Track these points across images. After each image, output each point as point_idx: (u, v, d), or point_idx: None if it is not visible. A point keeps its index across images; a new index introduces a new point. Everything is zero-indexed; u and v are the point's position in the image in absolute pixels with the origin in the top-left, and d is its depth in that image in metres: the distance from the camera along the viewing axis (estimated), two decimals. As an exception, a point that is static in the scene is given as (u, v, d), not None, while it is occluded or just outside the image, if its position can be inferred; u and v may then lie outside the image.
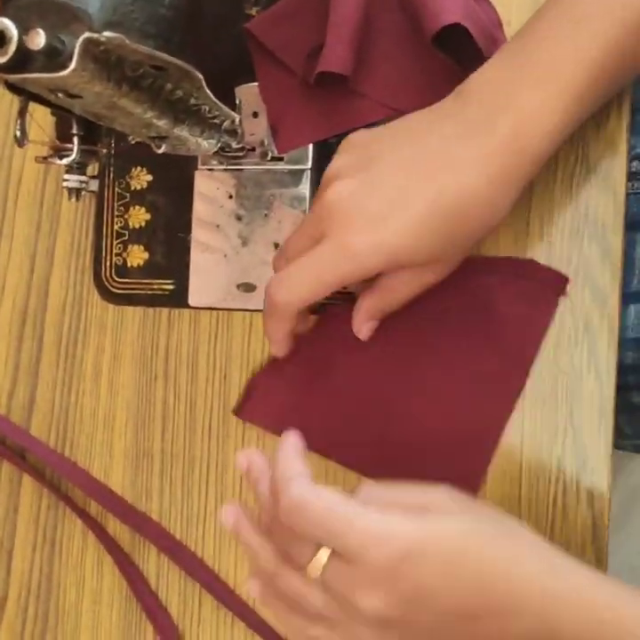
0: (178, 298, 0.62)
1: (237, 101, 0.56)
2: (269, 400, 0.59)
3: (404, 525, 0.43)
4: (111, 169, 0.64)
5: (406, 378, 0.57)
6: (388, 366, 0.57)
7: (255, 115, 0.60)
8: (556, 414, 0.56)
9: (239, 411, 0.60)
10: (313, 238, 0.51)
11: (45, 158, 0.49)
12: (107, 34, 0.39)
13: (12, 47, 0.38)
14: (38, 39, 0.38)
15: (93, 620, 0.63)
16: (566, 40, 0.48)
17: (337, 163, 0.51)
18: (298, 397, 0.59)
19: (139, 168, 0.63)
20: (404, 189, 0.49)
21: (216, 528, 0.61)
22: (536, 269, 0.56)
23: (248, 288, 0.61)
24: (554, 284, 0.55)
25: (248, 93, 0.59)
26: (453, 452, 0.56)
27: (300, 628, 0.46)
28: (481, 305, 0.56)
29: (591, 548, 0.55)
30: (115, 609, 0.63)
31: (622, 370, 0.57)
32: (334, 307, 0.58)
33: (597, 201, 0.55)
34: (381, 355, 0.57)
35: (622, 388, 0.57)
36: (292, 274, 0.51)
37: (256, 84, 0.60)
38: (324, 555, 0.44)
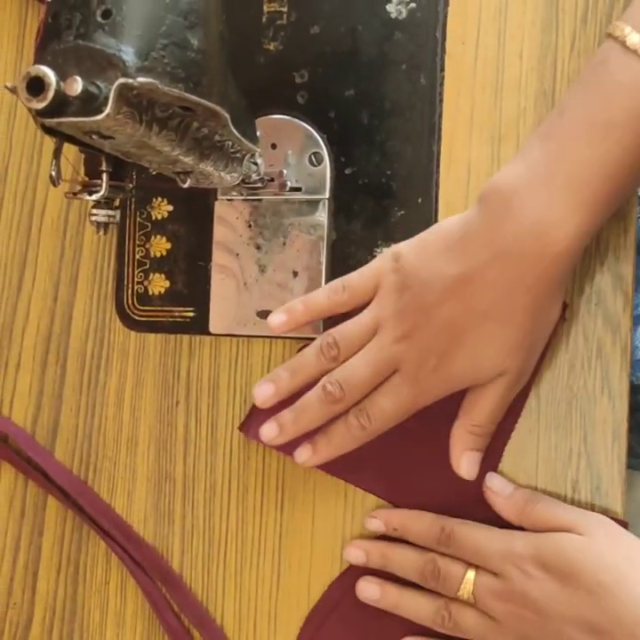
0: (198, 325, 0.64)
1: (258, 133, 0.58)
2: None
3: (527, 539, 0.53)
4: (133, 200, 0.65)
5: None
6: None
7: (274, 146, 0.62)
8: (570, 439, 0.57)
9: (244, 427, 0.62)
10: (383, 372, 0.55)
11: (75, 194, 0.50)
12: (140, 79, 0.41)
13: (51, 93, 0.40)
14: (76, 86, 0.40)
15: (117, 641, 0.64)
16: (593, 148, 0.49)
17: (390, 305, 0.54)
18: None
19: (159, 199, 0.65)
20: (453, 318, 0.52)
21: (237, 550, 0.63)
22: None
23: (267, 315, 0.62)
24: None
25: (267, 125, 0.61)
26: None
27: None
28: None
29: (606, 568, 0.56)
30: (138, 631, 0.64)
31: (632, 390, 0.58)
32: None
33: (609, 231, 0.57)
34: None
35: (633, 409, 0.59)
36: (378, 415, 0.55)
37: (275, 116, 0.61)
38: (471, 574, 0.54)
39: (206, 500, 0.63)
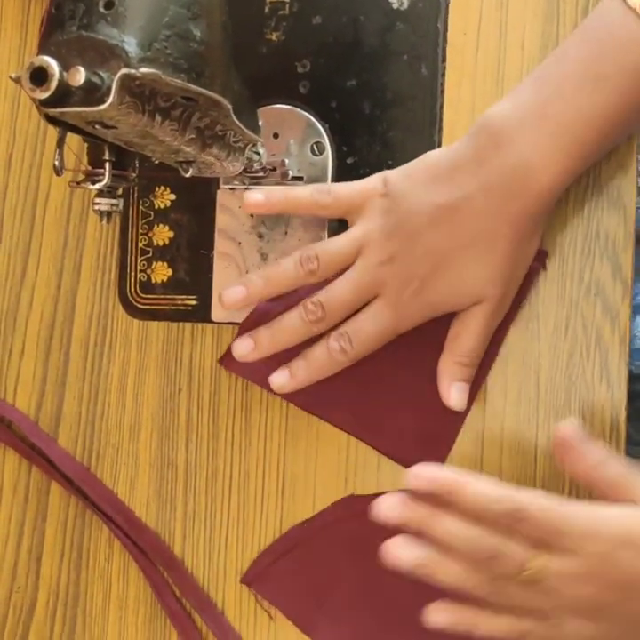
0: (201, 313, 0.64)
1: (260, 123, 0.58)
2: None
3: (616, 514, 0.48)
4: (136, 188, 0.65)
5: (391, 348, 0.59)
6: None
7: (276, 136, 0.62)
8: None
9: (224, 360, 0.63)
10: (364, 296, 0.56)
11: (78, 183, 0.51)
12: (143, 69, 0.41)
13: (54, 84, 0.40)
14: (78, 76, 0.40)
15: (119, 625, 0.65)
16: (583, 98, 0.51)
17: (374, 220, 0.56)
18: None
19: (162, 187, 0.65)
20: (438, 245, 0.54)
21: (238, 535, 0.63)
22: None
23: (269, 303, 0.63)
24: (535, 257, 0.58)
25: (269, 115, 0.61)
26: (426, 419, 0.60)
27: (509, 626, 0.50)
28: None
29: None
30: (140, 615, 0.65)
31: (631, 379, 0.58)
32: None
33: (608, 220, 0.57)
34: None
35: (631, 397, 0.59)
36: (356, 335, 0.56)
37: (277, 105, 0.62)
38: (536, 555, 0.48)
39: (208, 486, 0.64)
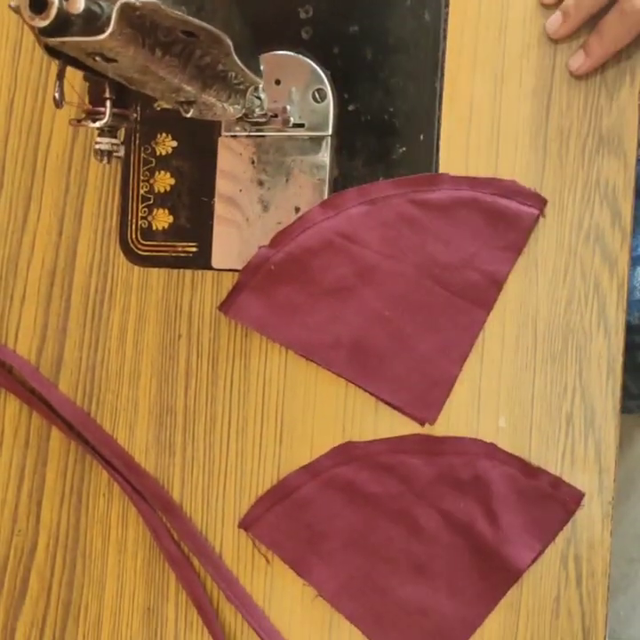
0: (201, 260, 0.64)
1: (262, 68, 0.58)
2: (259, 302, 0.62)
3: None
4: (137, 135, 0.66)
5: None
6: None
7: (278, 82, 0.62)
8: (565, 373, 0.58)
9: (223, 306, 0.63)
10: None
11: (79, 121, 0.51)
12: (142, -1, 0.41)
13: (53, 11, 0.40)
14: (78, 4, 0.40)
15: (118, 568, 0.66)
16: None
17: None
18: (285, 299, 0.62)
19: (164, 134, 0.65)
20: None
21: (236, 481, 0.64)
22: (517, 190, 0.58)
23: (269, 251, 0.63)
24: (533, 204, 0.58)
25: (271, 61, 0.61)
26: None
27: None
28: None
29: (598, 500, 0.57)
30: (139, 558, 0.66)
31: (629, 330, 0.59)
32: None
33: (609, 168, 0.57)
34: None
35: (629, 348, 0.60)
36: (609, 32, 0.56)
37: (280, 52, 0.62)
38: None
39: (206, 432, 0.64)
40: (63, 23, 0.41)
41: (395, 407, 0.61)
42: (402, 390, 0.60)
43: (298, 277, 0.61)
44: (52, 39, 0.41)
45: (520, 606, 0.58)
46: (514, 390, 0.59)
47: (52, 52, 0.44)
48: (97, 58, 0.44)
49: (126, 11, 0.41)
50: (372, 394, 0.61)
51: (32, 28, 0.41)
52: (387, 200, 0.59)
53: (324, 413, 0.62)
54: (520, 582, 0.58)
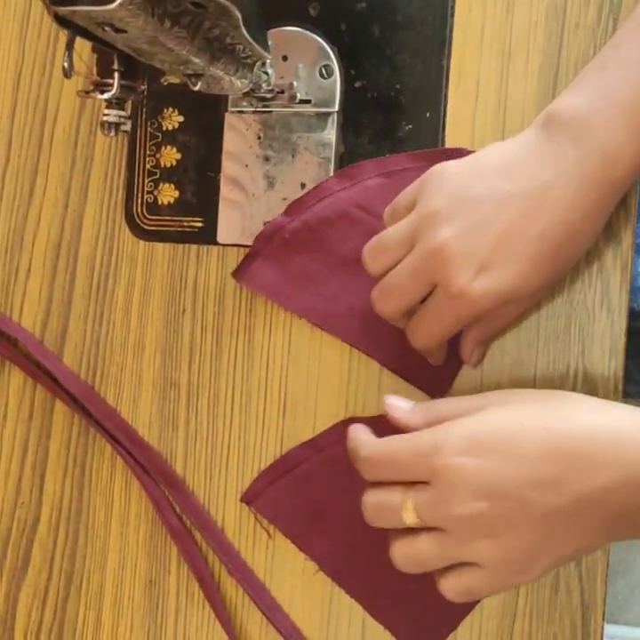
0: (206, 235, 0.65)
1: (269, 43, 0.58)
2: (272, 270, 0.62)
3: (454, 427, 0.49)
4: (144, 110, 0.66)
5: None
6: None
7: (285, 58, 0.62)
8: (568, 353, 0.58)
9: (238, 273, 0.63)
10: (421, 284, 0.53)
11: (87, 93, 0.51)
12: (153, -31, 0.41)
13: (64, -20, 0.40)
14: (89, -28, 0.40)
15: (121, 541, 0.66)
16: None
17: (435, 202, 0.52)
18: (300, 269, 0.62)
19: (170, 109, 0.65)
20: (508, 233, 0.50)
21: (239, 456, 0.64)
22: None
23: (274, 226, 0.63)
24: None
25: (278, 37, 0.61)
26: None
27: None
28: None
29: (598, 477, 0.57)
30: (141, 531, 0.66)
31: (632, 316, 0.59)
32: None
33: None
34: None
35: (632, 334, 0.60)
36: (419, 330, 0.55)
37: (287, 28, 0.62)
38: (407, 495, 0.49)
39: (210, 407, 0.65)
40: (73, -9, 0.41)
41: (406, 378, 0.61)
42: (414, 362, 0.60)
43: (313, 247, 0.61)
44: (63, 8, 0.42)
45: (519, 582, 0.59)
46: (516, 369, 0.59)
47: (62, 21, 0.45)
48: (106, 28, 0.44)
49: (136, -20, 0.42)
50: (384, 365, 0.61)
51: (42, -4, 0.41)
52: (403, 173, 0.59)
53: (328, 389, 0.62)
54: (519, 558, 0.58)
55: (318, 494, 0.62)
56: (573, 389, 0.58)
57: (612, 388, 0.58)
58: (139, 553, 0.66)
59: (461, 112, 0.60)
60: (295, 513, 0.62)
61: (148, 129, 0.66)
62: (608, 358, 0.58)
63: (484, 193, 0.51)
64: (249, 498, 0.63)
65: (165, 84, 0.64)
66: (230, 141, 0.64)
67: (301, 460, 0.62)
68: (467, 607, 0.59)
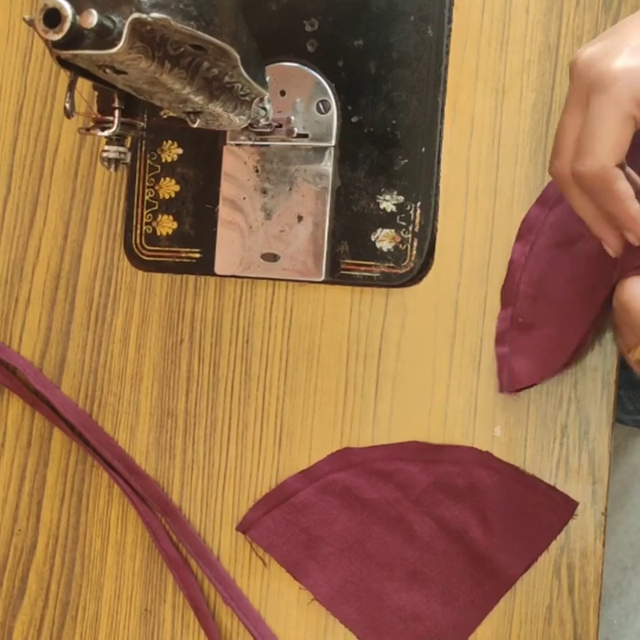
0: (204, 266, 0.65)
1: (267, 79, 0.59)
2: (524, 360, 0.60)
3: None
4: (143, 142, 0.67)
5: None
6: None
7: (282, 93, 0.63)
8: (561, 384, 0.59)
9: (502, 386, 0.60)
10: (583, 108, 0.50)
11: (88, 130, 0.52)
12: (153, 14, 0.42)
13: (67, 26, 0.41)
14: (91, 18, 0.41)
15: (117, 569, 0.67)
16: None
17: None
18: None
19: (170, 142, 0.66)
20: None
21: (235, 485, 0.65)
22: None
23: (271, 258, 0.64)
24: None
25: (277, 72, 0.63)
26: None
27: None
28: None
29: (591, 510, 0.58)
30: (137, 559, 0.67)
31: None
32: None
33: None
34: None
35: (625, 364, 0.61)
36: (590, 143, 0.49)
37: (285, 63, 0.63)
38: None
39: (207, 436, 0.65)
40: (76, 37, 0.42)
41: None
42: None
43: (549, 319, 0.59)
44: (65, 52, 0.43)
45: (513, 614, 0.59)
46: (510, 400, 0.60)
47: (64, 63, 0.45)
48: (107, 70, 0.45)
49: (137, 25, 0.42)
50: None
51: (46, 41, 0.42)
52: None
53: (323, 419, 0.63)
54: (513, 590, 0.59)
55: (313, 524, 0.63)
56: (566, 420, 0.59)
57: (604, 420, 0.58)
58: (134, 582, 0.66)
59: (456, 148, 0.61)
60: (290, 542, 0.63)
61: (148, 161, 0.67)
62: (600, 390, 0.59)
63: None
64: (244, 527, 0.64)
65: (165, 117, 0.65)
66: (228, 174, 0.65)
67: (297, 490, 0.63)
68: (459, 639, 0.60)
